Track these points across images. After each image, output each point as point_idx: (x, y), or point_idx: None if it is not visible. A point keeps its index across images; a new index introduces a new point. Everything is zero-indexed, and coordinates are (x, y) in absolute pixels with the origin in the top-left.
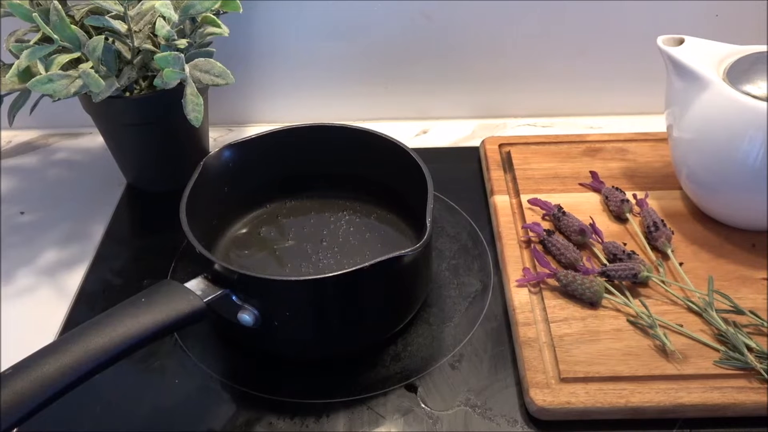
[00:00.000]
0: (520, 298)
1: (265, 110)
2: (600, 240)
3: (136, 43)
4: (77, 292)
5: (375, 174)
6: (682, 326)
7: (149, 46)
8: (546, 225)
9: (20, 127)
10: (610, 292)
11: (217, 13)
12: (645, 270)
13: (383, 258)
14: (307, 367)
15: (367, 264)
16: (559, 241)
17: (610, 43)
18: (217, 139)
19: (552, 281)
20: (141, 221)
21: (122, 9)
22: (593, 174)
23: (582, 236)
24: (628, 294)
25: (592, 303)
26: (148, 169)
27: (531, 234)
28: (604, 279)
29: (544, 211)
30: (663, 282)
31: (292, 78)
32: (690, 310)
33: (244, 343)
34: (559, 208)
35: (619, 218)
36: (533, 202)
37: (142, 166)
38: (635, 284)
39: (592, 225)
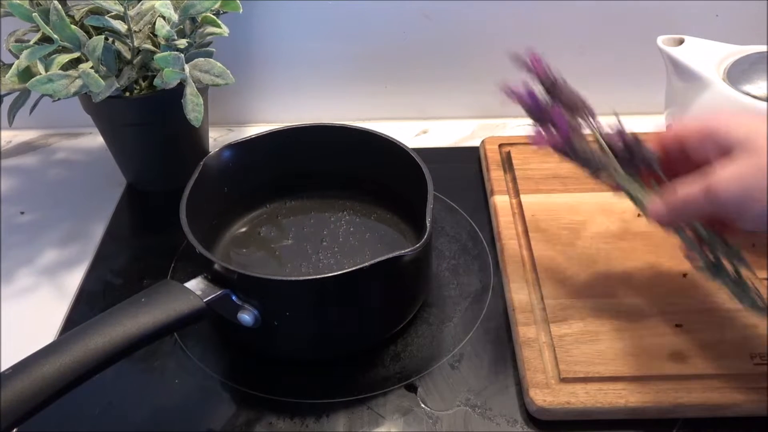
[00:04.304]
0: (520, 298)
1: (265, 110)
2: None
3: (136, 43)
4: (77, 292)
5: (375, 174)
6: None
7: (149, 46)
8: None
9: (20, 127)
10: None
11: (217, 13)
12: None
13: (383, 258)
14: (307, 367)
15: (367, 264)
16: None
17: (610, 43)
18: (217, 139)
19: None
20: (141, 221)
21: (122, 9)
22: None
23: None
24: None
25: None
26: (148, 169)
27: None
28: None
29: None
30: None
31: (292, 78)
32: None
33: (244, 343)
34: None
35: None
36: (532, 59)
37: (142, 166)
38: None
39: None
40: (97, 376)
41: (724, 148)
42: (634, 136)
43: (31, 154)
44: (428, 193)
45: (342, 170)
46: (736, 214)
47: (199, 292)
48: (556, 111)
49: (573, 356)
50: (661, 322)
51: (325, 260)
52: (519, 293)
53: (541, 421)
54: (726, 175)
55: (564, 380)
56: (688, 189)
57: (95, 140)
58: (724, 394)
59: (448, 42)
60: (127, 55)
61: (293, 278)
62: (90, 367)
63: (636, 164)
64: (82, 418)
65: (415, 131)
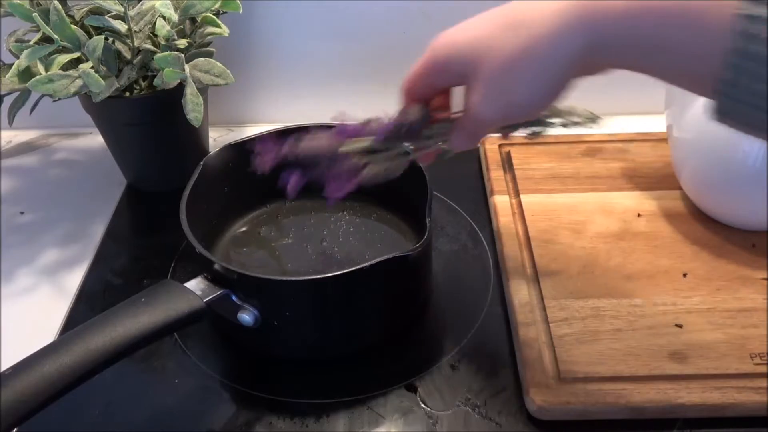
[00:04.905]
0: (520, 298)
1: (265, 110)
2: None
3: (136, 43)
4: (77, 292)
5: None
6: None
7: (149, 46)
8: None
9: (20, 127)
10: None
11: (217, 13)
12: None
13: (383, 258)
14: (307, 367)
15: (367, 264)
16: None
17: None
18: (217, 139)
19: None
20: (141, 221)
21: (122, 9)
22: None
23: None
24: None
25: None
26: (148, 169)
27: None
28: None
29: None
30: None
31: (292, 78)
32: None
33: (244, 343)
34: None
35: None
36: (262, 142)
37: (142, 166)
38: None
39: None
40: (97, 376)
41: (462, 73)
42: (397, 119)
43: (31, 154)
44: (428, 193)
45: None
46: (514, 119)
47: (199, 292)
48: (330, 174)
49: (573, 356)
50: (661, 322)
51: (325, 260)
52: (519, 293)
53: (541, 421)
54: (476, 104)
55: (564, 380)
56: (465, 123)
57: (95, 140)
58: (724, 394)
59: None
60: (127, 55)
61: (293, 278)
62: (90, 367)
63: (423, 127)
64: (82, 418)
65: None
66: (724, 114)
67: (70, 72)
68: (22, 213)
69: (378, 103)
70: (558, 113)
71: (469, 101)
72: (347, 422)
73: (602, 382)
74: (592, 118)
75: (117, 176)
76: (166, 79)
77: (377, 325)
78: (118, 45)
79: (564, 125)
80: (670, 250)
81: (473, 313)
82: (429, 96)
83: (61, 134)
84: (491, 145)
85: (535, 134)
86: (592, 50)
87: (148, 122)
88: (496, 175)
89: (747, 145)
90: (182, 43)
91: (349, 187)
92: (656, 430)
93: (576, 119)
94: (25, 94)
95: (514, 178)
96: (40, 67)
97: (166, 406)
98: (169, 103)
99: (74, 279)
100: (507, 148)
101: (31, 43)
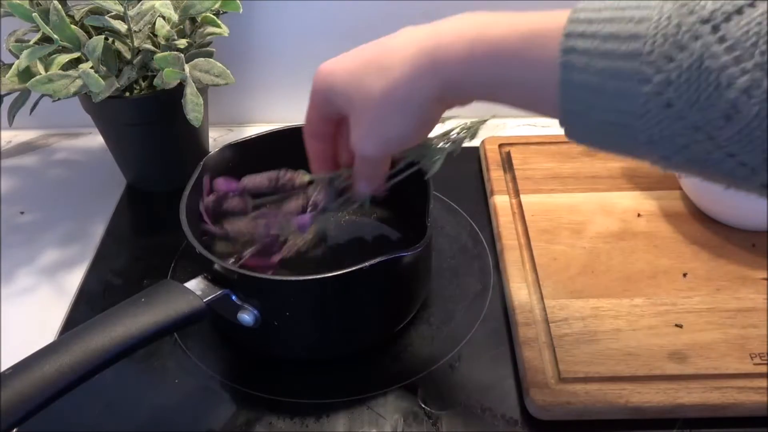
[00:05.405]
0: (520, 298)
1: (265, 110)
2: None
3: (136, 43)
4: (77, 292)
5: None
6: None
7: (149, 46)
8: None
9: (20, 127)
10: None
11: (217, 13)
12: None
13: (383, 258)
14: (307, 367)
15: (367, 264)
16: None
17: None
18: (217, 139)
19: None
20: (141, 221)
21: (122, 9)
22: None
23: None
24: None
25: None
26: (148, 169)
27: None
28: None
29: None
30: None
31: (292, 78)
32: None
33: (244, 343)
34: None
35: None
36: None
37: (142, 166)
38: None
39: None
40: (97, 376)
41: (341, 106)
42: (311, 207)
43: (31, 154)
44: (428, 193)
45: None
46: (395, 150)
47: (199, 292)
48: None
49: (573, 356)
50: (661, 322)
51: (325, 261)
52: (519, 293)
53: (541, 421)
54: (357, 141)
55: (564, 380)
56: (358, 167)
57: (95, 140)
58: (724, 394)
59: None
60: (127, 55)
61: (293, 278)
62: (90, 367)
63: (330, 187)
64: (82, 418)
65: None
66: (574, 137)
67: (70, 72)
68: (22, 213)
69: None
70: (443, 136)
71: (352, 139)
72: (347, 422)
73: (602, 382)
74: (478, 124)
75: (117, 176)
76: (166, 79)
77: (377, 325)
78: (118, 45)
79: (454, 143)
80: (670, 250)
81: (473, 313)
82: (327, 132)
83: (61, 134)
84: (491, 145)
85: (432, 161)
86: (446, 90)
87: (148, 122)
88: (496, 175)
89: None
90: (182, 43)
91: (274, 262)
92: (656, 430)
93: (463, 134)
94: (25, 94)
95: (514, 178)
96: (40, 67)
97: (166, 406)
98: (169, 103)
99: (74, 279)
100: (507, 148)
101: (31, 43)
